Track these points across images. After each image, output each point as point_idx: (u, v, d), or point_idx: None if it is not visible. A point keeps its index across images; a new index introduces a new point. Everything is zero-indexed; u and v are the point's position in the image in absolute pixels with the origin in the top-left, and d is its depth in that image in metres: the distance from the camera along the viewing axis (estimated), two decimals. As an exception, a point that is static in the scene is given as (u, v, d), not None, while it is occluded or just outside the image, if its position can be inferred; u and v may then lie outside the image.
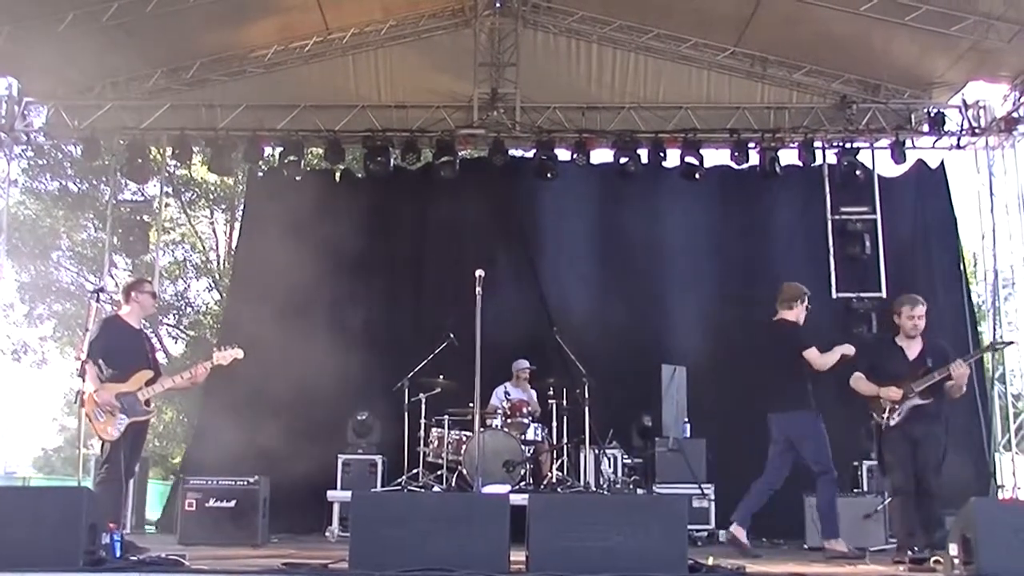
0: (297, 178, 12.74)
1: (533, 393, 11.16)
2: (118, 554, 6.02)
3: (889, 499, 7.64)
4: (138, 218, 13.25)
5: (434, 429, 10.39)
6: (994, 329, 12.51)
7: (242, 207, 12.43)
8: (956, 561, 5.82)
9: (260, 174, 13.84)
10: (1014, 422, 12.07)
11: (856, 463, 10.96)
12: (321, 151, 13.42)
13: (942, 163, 12.79)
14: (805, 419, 8.15)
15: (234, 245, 12.14)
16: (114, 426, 7.35)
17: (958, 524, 5.90)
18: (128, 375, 7.51)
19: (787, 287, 8.58)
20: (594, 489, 10.22)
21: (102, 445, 7.41)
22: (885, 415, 7.49)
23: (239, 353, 7.95)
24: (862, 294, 12.30)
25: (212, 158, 12.83)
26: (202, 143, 12.97)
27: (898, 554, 7.31)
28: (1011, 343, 7.52)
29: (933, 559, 6.51)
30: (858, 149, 12.53)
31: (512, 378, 11.25)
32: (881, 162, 12.82)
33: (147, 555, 6.46)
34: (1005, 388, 12.26)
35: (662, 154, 12.42)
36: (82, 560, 5.38)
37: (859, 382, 7.79)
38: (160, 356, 8.11)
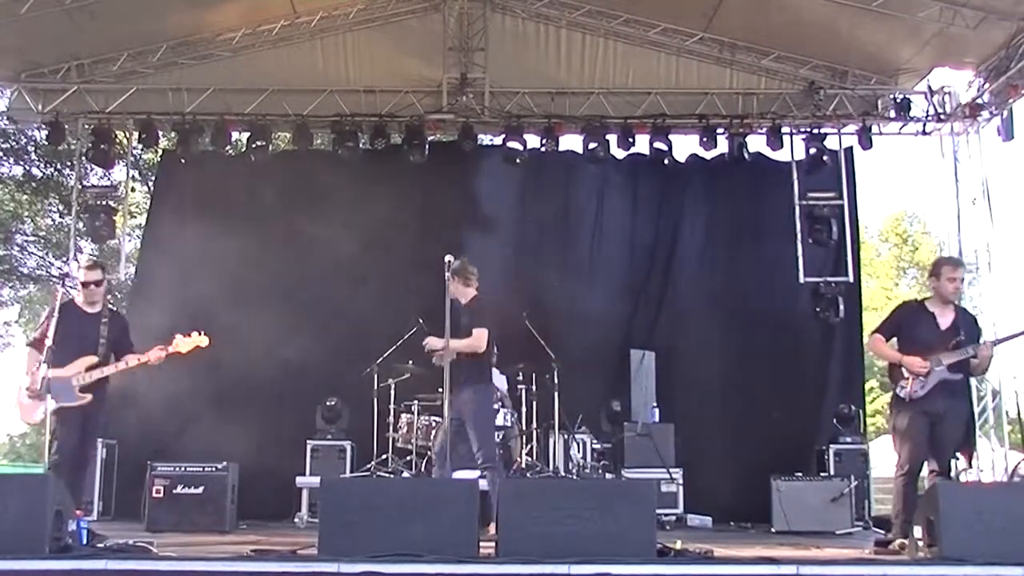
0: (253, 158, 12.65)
1: (503, 378, 11.15)
2: (84, 541, 5.99)
3: (898, 477, 6.85)
4: (104, 203, 13.06)
5: (403, 415, 10.36)
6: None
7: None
8: (920, 544, 5.89)
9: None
10: (978, 406, 12.20)
11: (822, 447, 11.05)
12: (289, 135, 13.31)
13: (850, 149, 12.82)
14: None
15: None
16: (38, 411, 7.30)
17: (922, 507, 5.97)
18: (71, 360, 7.45)
19: None
20: (563, 474, 10.25)
21: (54, 430, 7.31)
22: (909, 387, 6.84)
23: (204, 341, 7.82)
24: (830, 278, 12.38)
25: (179, 143, 12.67)
26: (168, 127, 12.82)
27: (898, 535, 6.65)
28: None
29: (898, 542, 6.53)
30: (825, 135, 12.56)
31: None
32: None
33: (113, 542, 6.43)
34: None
35: (631, 140, 12.41)
36: (48, 547, 5.34)
37: (879, 345, 7.19)
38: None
